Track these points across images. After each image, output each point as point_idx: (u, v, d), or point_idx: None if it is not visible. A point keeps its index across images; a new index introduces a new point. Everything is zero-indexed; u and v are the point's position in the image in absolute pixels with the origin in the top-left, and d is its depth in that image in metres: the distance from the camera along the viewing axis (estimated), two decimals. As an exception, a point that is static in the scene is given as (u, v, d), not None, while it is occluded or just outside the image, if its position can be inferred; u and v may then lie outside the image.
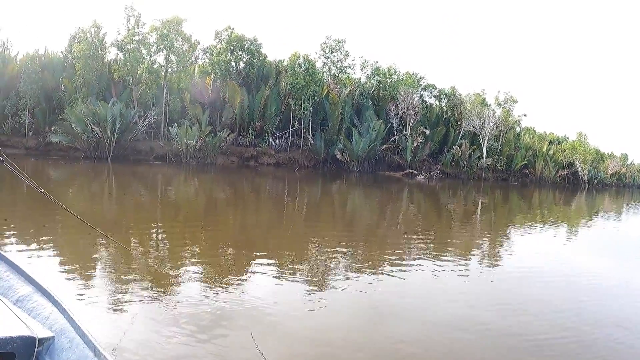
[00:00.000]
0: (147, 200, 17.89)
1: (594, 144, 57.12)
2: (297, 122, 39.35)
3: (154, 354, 4.99)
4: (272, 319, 6.21)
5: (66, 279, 7.27)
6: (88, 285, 7.00)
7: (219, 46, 39.30)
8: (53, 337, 3.33)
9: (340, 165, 39.27)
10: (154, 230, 12.24)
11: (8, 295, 3.83)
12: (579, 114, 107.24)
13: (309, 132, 39.11)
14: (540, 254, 12.57)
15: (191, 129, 33.99)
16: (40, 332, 3.27)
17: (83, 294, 6.55)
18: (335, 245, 11.73)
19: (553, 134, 57.07)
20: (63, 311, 3.54)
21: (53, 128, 35.21)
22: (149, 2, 74.22)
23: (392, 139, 40.14)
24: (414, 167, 39.94)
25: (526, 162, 47.44)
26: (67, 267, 7.93)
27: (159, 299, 6.68)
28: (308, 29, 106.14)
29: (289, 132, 39.51)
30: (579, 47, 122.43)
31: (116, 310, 6.20)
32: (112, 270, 7.96)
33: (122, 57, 37.20)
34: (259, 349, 4.35)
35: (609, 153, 59.89)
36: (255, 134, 38.22)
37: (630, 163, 62.29)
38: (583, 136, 56.61)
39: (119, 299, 6.55)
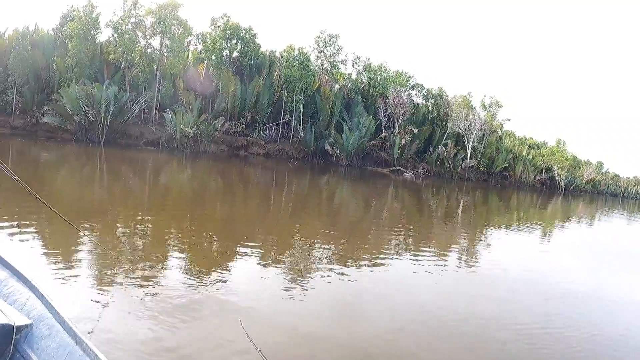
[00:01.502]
0: (141, 186, 18.81)
1: (571, 151, 59.89)
2: (288, 113, 40.58)
3: (133, 339, 5.07)
4: (254, 307, 6.46)
5: (43, 264, 7.25)
6: (64, 272, 6.97)
7: (214, 33, 40.16)
8: (31, 325, 3.25)
9: (328, 159, 40.72)
10: (140, 217, 12.46)
11: None
12: (559, 121, 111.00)
13: (300, 125, 40.38)
14: (515, 255, 13.32)
15: (186, 116, 34.88)
16: (18, 320, 3.20)
17: (58, 280, 6.58)
18: (320, 237, 12.23)
19: (532, 138, 59.54)
20: (41, 297, 3.46)
21: (45, 108, 35.56)
22: None
23: (381, 135, 41.74)
24: (400, 164, 41.68)
25: (506, 164, 49.67)
26: (43, 254, 7.87)
27: (139, 286, 6.76)
28: (302, 22, 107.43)
29: (279, 124, 40.73)
30: (562, 56, 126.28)
31: (93, 295, 6.21)
32: (91, 257, 7.94)
33: (116, 39, 37.71)
34: (247, 335, 4.37)
35: (585, 160, 62.84)
36: (247, 124, 39.30)
37: (605, 171, 65.50)
38: (562, 143, 59.23)
39: (96, 285, 6.61)
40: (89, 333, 4.92)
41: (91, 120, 33.99)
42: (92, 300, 5.98)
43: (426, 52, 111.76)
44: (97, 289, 6.42)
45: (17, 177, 4.26)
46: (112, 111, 34.17)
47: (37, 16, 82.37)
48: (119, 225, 11.03)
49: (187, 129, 34.50)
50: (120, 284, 6.75)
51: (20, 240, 8.32)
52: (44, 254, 7.86)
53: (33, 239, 8.64)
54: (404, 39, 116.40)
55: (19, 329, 3.15)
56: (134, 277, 7.07)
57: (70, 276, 6.82)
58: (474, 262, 11.46)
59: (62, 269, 7.09)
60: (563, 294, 9.39)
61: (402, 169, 41.16)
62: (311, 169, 36.27)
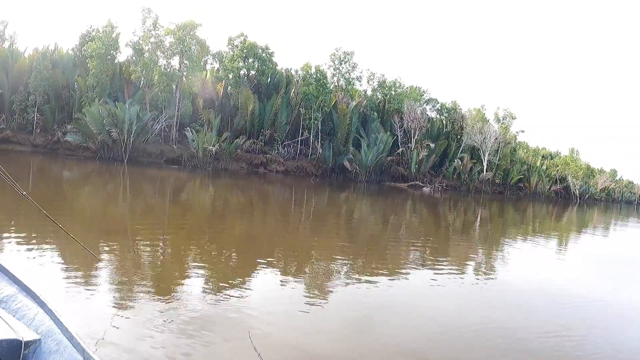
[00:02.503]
0: (165, 203, 19.60)
1: (585, 160, 60.80)
2: (306, 131, 41.65)
3: (142, 354, 5.15)
4: (268, 321, 6.56)
5: (56, 281, 7.40)
6: (76, 289, 7.14)
7: (231, 53, 41.29)
8: (39, 340, 3.32)
9: (347, 175, 41.72)
10: (160, 233, 12.80)
11: None
12: (571, 130, 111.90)
13: (318, 142, 41.44)
14: (532, 265, 13.40)
15: (208, 134, 35.99)
16: (26, 335, 3.26)
17: (71, 296, 6.73)
18: (338, 252, 12.38)
19: (545, 149, 60.54)
20: (49, 312, 3.52)
21: (69, 127, 36.72)
22: (159, 6, 76.26)
23: (398, 151, 42.75)
24: (417, 178, 42.66)
25: (521, 176, 50.60)
26: (57, 270, 8.07)
27: (151, 299, 6.95)
28: (316, 39, 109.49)
29: (298, 141, 41.81)
30: (572, 65, 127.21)
31: (104, 312, 6.39)
32: (107, 272, 8.21)
33: (136, 59, 38.84)
34: (255, 349, 4.48)
35: (599, 169, 63.80)
36: (265, 141, 40.39)
37: (619, 179, 66.43)
38: (575, 152, 60.15)
39: (109, 301, 6.79)
40: (95, 345, 5.09)
41: (114, 139, 35.10)
42: (102, 316, 6.11)
43: (438, 66, 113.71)
44: (110, 306, 6.58)
45: (24, 193, 4.36)
46: (135, 130, 35.26)
47: (56, 36, 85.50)
48: (139, 239, 11.40)
49: (210, 147, 35.57)
50: (134, 299, 6.89)
51: (34, 257, 8.55)
52: (57, 270, 8.05)
53: (48, 255, 8.83)
54: (416, 54, 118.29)
55: (27, 344, 3.21)
56: (148, 293, 7.21)
57: (82, 292, 6.99)
58: (492, 273, 11.66)
59: (74, 285, 7.29)
60: (580, 303, 9.50)
61: (420, 183, 42.16)
62: (330, 185, 37.15)
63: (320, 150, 41.38)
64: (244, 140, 38.04)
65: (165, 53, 38.64)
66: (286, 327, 6.57)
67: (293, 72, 45.01)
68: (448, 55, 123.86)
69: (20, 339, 3.18)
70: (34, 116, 39.10)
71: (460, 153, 45.69)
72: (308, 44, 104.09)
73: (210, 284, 8.30)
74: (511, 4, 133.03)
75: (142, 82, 39.49)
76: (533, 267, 13.22)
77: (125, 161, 35.09)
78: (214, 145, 35.92)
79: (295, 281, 9.07)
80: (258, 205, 22.69)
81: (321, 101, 40.28)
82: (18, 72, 40.59)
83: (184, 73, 39.00)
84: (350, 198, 31.49)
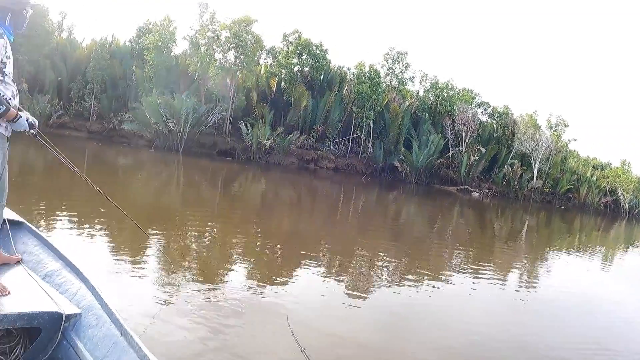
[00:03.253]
0: (217, 193, 20.47)
1: (637, 173, 59.67)
2: (358, 129, 42.21)
3: (180, 337, 5.36)
4: (306, 309, 6.80)
5: (104, 260, 7.74)
6: (122, 267, 7.49)
7: (285, 49, 42.15)
8: (80, 314, 3.45)
9: (396, 175, 42.07)
10: (209, 219, 13.41)
11: (37, 270, 3.96)
12: (623, 140, 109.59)
13: (369, 140, 41.93)
14: (575, 279, 13.19)
15: (263, 129, 36.86)
16: (68, 308, 3.39)
17: (116, 275, 7.05)
18: (382, 251, 12.51)
19: (596, 159, 59.64)
20: (91, 288, 3.67)
21: (127, 115, 38.13)
22: (214, 1, 78.48)
23: (448, 154, 42.94)
24: (466, 182, 42.74)
25: (571, 186, 50.08)
26: (106, 250, 8.41)
27: (197, 286, 7.17)
28: (370, 38, 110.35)
29: (349, 139, 42.37)
30: (627, 75, 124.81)
31: (147, 285, 6.77)
32: (153, 252, 8.57)
33: (193, 52, 40.04)
34: (292, 333, 4.61)
35: (651, 183, 62.49)
36: (317, 138, 41.10)
37: (675, 194, 64.85)
38: (627, 164, 59.11)
39: (155, 277, 7.20)
40: (144, 330, 5.28)
41: (170, 129, 36.24)
42: (145, 294, 6.39)
43: (491, 68, 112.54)
44: (154, 284, 6.88)
45: (77, 169, 4.44)
46: (191, 121, 36.36)
47: (112, 28, 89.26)
48: (189, 225, 11.93)
49: (265, 141, 36.41)
50: (177, 284, 7.08)
51: (84, 235, 8.98)
52: (105, 247, 8.48)
53: (97, 233, 9.32)
54: (469, 55, 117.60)
55: (68, 317, 3.35)
56: (191, 279, 7.45)
57: (128, 270, 7.35)
58: (533, 284, 11.57)
59: (121, 262, 7.69)
60: (619, 319, 9.43)
61: (469, 188, 42.20)
62: (379, 185, 37.60)
63: (371, 149, 41.82)
64: (297, 136, 38.79)
65: (222, 47, 39.66)
66: (323, 315, 6.84)
67: (346, 70, 45.60)
68: (501, 58, 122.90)
69: (62, 311, 3.29)
70: (91, 104, 40.92)
71: (511, 159, 45.54)
72: (361, 42, 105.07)
73: (253, 271, 8.61)
74: (565, 10, 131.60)
75: (197, 75, 40.58)
76: (575, 280, 13.06)
77: (181, 151, 36.16)
78: (268, 140, 36.70)
79: (336, 275, 9.34)
80: (307, 201, 23.28)
81: (374, 100, 40.78)
82: (76, 61, 42.75)
83: (239, 67, 39.95)
84: (398, 198, 31.81)
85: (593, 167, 55.85)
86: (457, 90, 46.83)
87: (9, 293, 3.37)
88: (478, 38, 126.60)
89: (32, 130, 3.72)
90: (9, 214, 4.32)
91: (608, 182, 54.04)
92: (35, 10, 36.81)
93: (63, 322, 3.28)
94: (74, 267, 3.93)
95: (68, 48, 43.82)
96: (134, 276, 7.17)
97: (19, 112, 3.51)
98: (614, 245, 25.12)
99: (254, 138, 36.94)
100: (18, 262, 3.94)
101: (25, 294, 3.46)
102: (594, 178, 52.95)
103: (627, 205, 54.30)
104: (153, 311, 5.93)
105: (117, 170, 23.21)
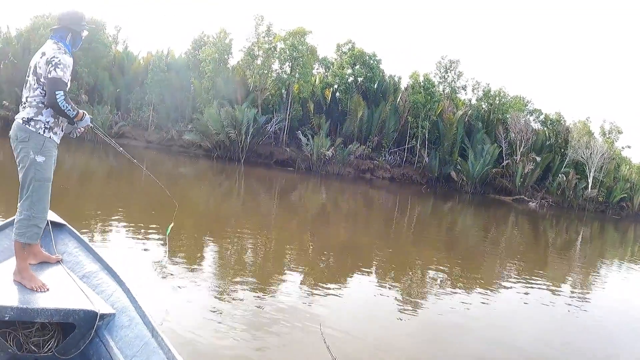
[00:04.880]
0: (279, 201, 22.20)
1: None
2: (413, 139, 43.90)
3: (214, 340, 5.59)
4: (349, 323, 6.88)
5: (146, 261, 8.21)
6: (168, 271, 7.87)
7: (339, 59, 44.07)
8: (114, 314, 3.70)
9: (451, 185, 43.58)
10: (268, 227, 14.14)
11: (75, 270, 4.23)
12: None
13: (424, 150, 43.57)
14: (629, 294, 13.14)
15: (324, 139, 38.79)
16: (102, 308, 3.62)
17: (160, 277, 7.46)
18: (434, 262, 12.88)
19: (649, 166, 60.24)
20: (126, 290, 3.93)
21: (189, 126, 40.42)
22: (267, 12, 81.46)
23: (503, 163, 44.30)
24: (521, 192, 44.02)
25: (624, 194, 50.82)
26: (148, 250, 8.96)
27: (242, 293, 7.43)
28: (422, 47, 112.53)
29: (404, 149, 44.07)
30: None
31: (190, 287, 7.14)
32: (202, 256, 9.15)
33: (250, 63, 42.08)
34: (325, 341, 4.74)
35: None
36: (373, 148, 42.87)
37: None
38: (681, 171, 59.58)
39: (201, 278, 7.63)
40: (171, 323, 5.65)
41: (232, 139, 38.33)
42: (187, 301, 6.68)
43: (542, 75, 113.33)
44: (198, 286, 7.27)
45: (121, 149, 4.74)
46: (252, 132, 38.47)
47: (167, 41, 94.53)
48: (246, 231, 12.69)
49: (326, 152, 38.34)
50: (224, 289, 7.47)
51: (133, 240, 9.65)
52: (150, 253, 8.81)
53: (145, 240, 9.82)
54: (519, 62, 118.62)
55: (102, 316, 3.57)
56: (238, 285, 7.78)
57: (175, 274, 7.73)
58: (584, 298, 11.59)
59: (166, 265, 8.07)
60: None
61: (525, 197, 43.47)
62: (434, 195, 39.09)
63: (426, 158, 43.41)
64: (357, 146, 40.59)
65: (279, 59, 41.72)
66: (364, 325, 6.99)
67: (397, 80, 47.31)
68: (552, 64, 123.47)
69: (97, 310, 3.52)
70: (149, 114, 43.14)
71: (565, 168, 46.65)
72: (413, 52, 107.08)
73: (300, 280, 8.95)
74: (615, 13, 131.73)
75: (252, 86, 42.63)
76: (629, 297, 12.91)
77: (242, 161, 38.23)
78: (328, 150, 38.61)
79: (385, 287, 9.54)
80: (363, 210, 24.15)
81: (428, 109, 42.42)
82: (134, 73, 45.17)
83: (295, 78, 41.91)
84: (454, 208, 33.00)
85: (647, 174, 56.46)
86: (509, 98, 48.11)
87: (48, 290, 3.68)
88: (529, 44, 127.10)
89: (91, 124, 4.15)
90: (52, 216, 4.61)
91: (662, 190, 54.56)
92: (93, 25, 39.47)
93: (97, 320, 3.52)
94: (111, 270, 4.18)
95: (125, 60, 46.55)
96: (176, 278, 7.54)
97: (81, 111, 4.01)
98: None
99: (315, 148, 38.81)
100: (58, 262, 4.26)
101: (63, 291, 3.74)
102: (648, 186, 53.56)
103: (681, 214, 54.77)
104: (189, 314, 6.22)
105: (181, 178, 25.03)
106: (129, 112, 43.92)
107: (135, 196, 16.30)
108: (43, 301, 3.47)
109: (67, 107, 3.75)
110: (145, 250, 9.00)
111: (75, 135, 4.24)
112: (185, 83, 43.63)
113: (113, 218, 11.48)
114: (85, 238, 4.69)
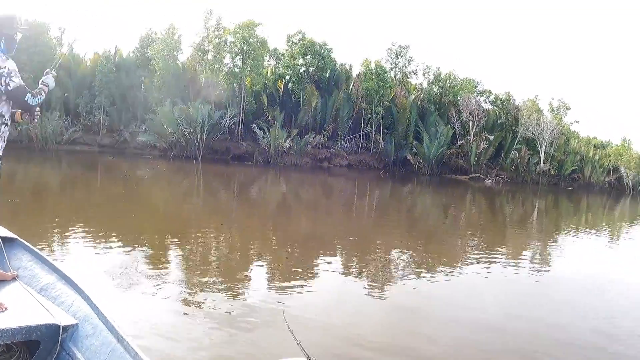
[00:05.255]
0: (240, 197, 22.47)
1: (637, 150, 62.83)
2: (367, 125, 44.71)
3: (178, 338, 5.63)
4: (312, 311, 6.97)
5: (97, 265, 8.19)
6: (128, 268, 8.04)
7: (290, 50, 44.44)
8: (77, 324, 3.61)
9: (408, 168, 44.66)
10: (224, 222, 14.36)
11: (33, 284, 4.12)
12: (622, 118, 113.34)
13: (379, 136, 44.44)
14: (584, 260, 13.72)
15: (280, 131, 39.17)
16: (64, 320, 3.54)
17: (122, 283, 7.37)
18: (396, 245, 13.24)
19: (597, 138, 62.69)
20: (86, 298, 3.82)
21: (143, 127, 40.11)
22: (214, 6, 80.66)
23: (457, 144, 45.59)
24: (476, 171, 45.46)
25: (575, 167, 52.95)
26: (102, 258, 8.85)
27: (193, 287, 7.61)
28: (371, 34, 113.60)
29: (360, 135, 44.87)
30: (621, 52, 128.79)
31: (149, 289, 7.11)
32: (156, 259, 9.00)
33: (201, 59, 42.05)
34: (289, 327, 4.84)
35: (652, 157, 65.86)
36: (328, 137, 43.48)
37: (674, 168, 68.38)
38: (627, 141, 62.22)
39: (158, 282, 7.52)
40: (135, 327, 5.62)
41: (187, 138, 38.30)
42: (147, 299, 6.73)
43: (490, 56, 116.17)
44: (157, 289, 7.22)
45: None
46: (207, 128, 38.50)
47: (113, 40, 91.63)
48: (209, 230, 12.81)
49: (284, 144, 38.73)
50: (189, 290, 7.50)
51: (86, 247, 9.53)
52: (104, 259, 8.82)
53: (98, 246, 9.77)
54: (468, 44, 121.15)
55: (65, 328, 3.49)
56: (204, 284, 7.82)
57: (134, 278, 7.74)
58: (543, 267, 12.04)
59: (128, 265, 8.21)
60: (627, 296, 9.84)
61: (481, 176, 44.91)
62: (392, 178, 39.97)
63: (382, 144, 44.30)
64: (313, 136, 41.14)
65: (230, 52, 41.80)
66: (330, 312, 7.08)
67: (348, 67, 48.06)
68: (498, 45, 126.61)
69: (59, 323, 3.45)
70: (100, 118, 42.18)
71: (517, 145, 48.29)
72: (362, 39, 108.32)
73: (262, 272, 9.16)
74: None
75: (202, 81, 42.55)
76: (585, 261, 13.62)
77: (200, 159, 38.28)
78: (285, 141, 39.02)
79: (349, 273, 9.76)
80: (324, 199, 24.65)
81: (381, 95, 43.30)
82: (81, 75, 43.92)
83: (247, 71, 42.08)
84: (413, 191, 33.96)
85: (594, 146, 58.79)
86: (459, 80, 49.46)
87: (7, 309, 3.54)
88: (475, 27, 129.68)
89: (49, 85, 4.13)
90: (2, 231, 4.58)
91: (610, 160, 56.97)
92: (36, 28, 38.73)
93: (61, 333, 3.44)
94: (68, 279, 4.08)
95: (72, 63, 44.90)
96: (136, 281, 7.57)
97: (42, 86, 4.01)
98: (621, 223, 26.66)
99: (272, 141, 39.16)
100: (14, 279, 4.12)
101: (23, 308, 3.63)
102: (597, 157, 55.84)
103: (630, 182, 57.29)
104: (154, 317, 6.17)
105: (139, 182, 24.93)
106: (79, 116, 42.86)
107: (92, 205, 16.08)
108: (2, 322, 3.36)
109: (39, 99, 3.85)
110: (108, 257, 8.92)
111: (34, 119, 4.12)
112: (136, 83, 43.17)
113: (71, 228, 11.17)
114: (39, 250, 4.55)
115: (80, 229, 11.13)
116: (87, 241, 10.05)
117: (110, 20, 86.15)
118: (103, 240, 10.27)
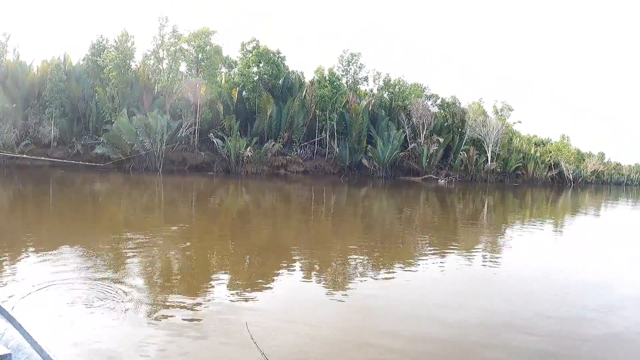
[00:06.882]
0: (202, 207, 22.46)
1: (575, 145, 68.29)
2: (322, 131, 47.17)
3: (135, 353, 5.52)
4: (274, 319, 7.02)
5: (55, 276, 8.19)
6: (81, 283, 7.95)
7: (245, 58, 46.23)
8: (10, 355, 3.53)
9: (363, 172, 47.46)
10: (183, 234, 14.15)
11: None
12: (560, 116, 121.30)
13: (335, 141, 46.99)
14: (532, 251, 14.56)
15: (241, 140, 40.93)
16: None
17: (64, 302, 6.99)
18: (353, 245, 13.76)
19: (537, 136, 67.63)
20: (19, 327, 3.82)
21: (101, 139, 40.47)
22: (168, 12, 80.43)
23: (409, 147, 48.74)
24: (428, 172, 48.83)
25: (519, 164, 57.25)
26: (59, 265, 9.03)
27: (148, 298, 7.57)
28: (323, 42, 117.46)
29: (315, 142, 47.31)
30: (556, 53, 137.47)
31: (99, 303, 6.98)
32: (112, 275, 8.74)
33: (155, 67, 43.06)
34: (252, 338, 4.79)
35: (588, 152, 71.71)
36: (284, 144, 45.63)
37: (607, 161, 74.66)
38: (566, 137, 67.45)
39: (111, 302, 7.16)
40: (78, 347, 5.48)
41: (147, 149, 39.30)
42: (95, 321, 6.39)
43: (435, 62, 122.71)
44: (120, 311, 6.89)
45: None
46: (166, 139, 39.37)
47: (61, 47, 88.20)
48: (167, 243, 12.48)
49: (246, 153, 40.56)
50: (148, 306, 7.27)
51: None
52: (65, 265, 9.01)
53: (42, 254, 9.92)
54: (415, 51, 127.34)
55: None
56: (162, 300, 7.64)
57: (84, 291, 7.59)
58: (494, 261, 12.63)
59: (75, 281, 8.05)
60: (574, 286, 10.26)
61: (434, 176, 48.35)
62: (348, 183, 42.00)
63: (337, 149, 46.86)
64: (272, 144, 43.11)
65: (186, 60, 43.09)
66: (290, 319, 7.14)
67: (300, 74, 50.33)
68: (445, 50, 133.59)
69: None
70: (51, 129, 41.39)
71: (464, 145, 52.01)
72: (315, 47, 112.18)
73: (222, 283, 9.12)
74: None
75: (156, 90, 43.51)
76: (532, 251, 14.48)
77: (160, 170, 39.05)
78: (246, 150, 40.79)
79: (308, 278, 9.90)
80: (281, 207, 24.93)
81: (335, 102, 45.80)
82: (30, 85, 43.02)
83: (203, 80, 43.44)
84: (369, 194, 35.72)
85: (535, 144, 63.55)
86: (408, 85, 52.79)
87: None
88: (422, 33, 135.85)
89: None
90: None
91: (551, 156, 61.71)
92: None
93: None
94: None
95: (19, 71, 43.48)
96: (80, 295, 7.39)
97: None
98: (563, 213, 28.90)
99: (232, 150, 40.87)
100: None
101: None
102: (538, 154, 60.44)
103: (570, 175, 62.25)
104: (108, 334, 6.02)
105: (96, 196, 24.11)
106: (28, 129, 41.57)
107: (38, 224, 15.19)
108: None
109: None
110: (49, 275, 8.41)
111: None
112: (87, 92, 43.22)
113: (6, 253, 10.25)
114: None
115: (23, 251, 10.50)
116: (31, 260, 9.66)
117: (57, 25, 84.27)
118: (50, 258, 9.77)
